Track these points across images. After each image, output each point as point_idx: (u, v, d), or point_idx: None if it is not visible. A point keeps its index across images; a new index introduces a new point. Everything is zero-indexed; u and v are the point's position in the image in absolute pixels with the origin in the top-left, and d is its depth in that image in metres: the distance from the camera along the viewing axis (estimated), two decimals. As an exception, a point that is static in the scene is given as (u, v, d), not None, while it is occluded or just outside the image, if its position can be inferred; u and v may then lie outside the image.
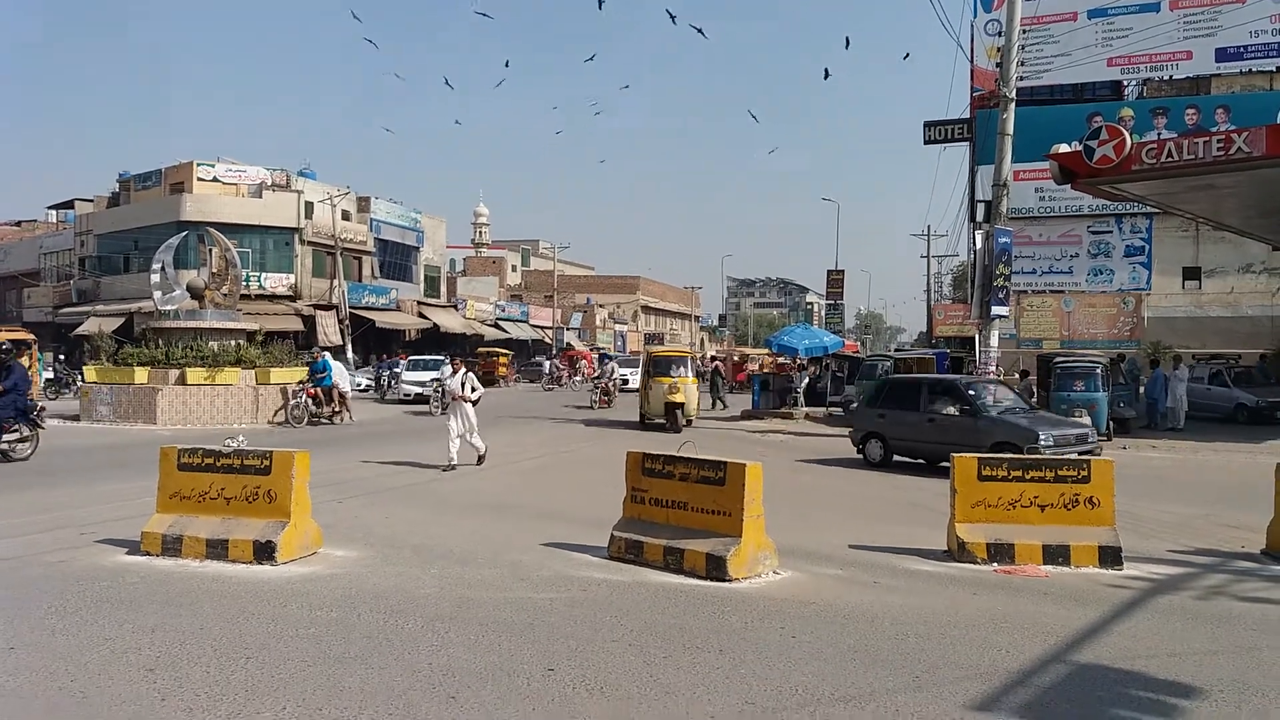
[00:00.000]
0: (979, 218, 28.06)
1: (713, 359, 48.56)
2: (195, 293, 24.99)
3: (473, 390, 14.91)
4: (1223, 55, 31.25)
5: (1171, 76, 32.35)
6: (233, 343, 24.22)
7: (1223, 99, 31.19)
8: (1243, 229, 22.55)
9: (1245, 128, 16.31)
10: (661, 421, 22.82)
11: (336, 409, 24.04)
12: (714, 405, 30.86)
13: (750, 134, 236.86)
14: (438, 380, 26.10)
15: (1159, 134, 29.60)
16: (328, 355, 25.35)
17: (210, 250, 27.61)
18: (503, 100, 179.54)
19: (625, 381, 36.56)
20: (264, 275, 46.63)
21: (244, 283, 32.70)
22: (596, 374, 35.76)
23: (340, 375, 24.51)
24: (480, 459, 14.97)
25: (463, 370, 15.20)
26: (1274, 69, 31.11)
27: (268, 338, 26.93)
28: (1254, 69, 31.26)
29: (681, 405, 22.56)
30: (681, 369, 23.51)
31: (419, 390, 31.41)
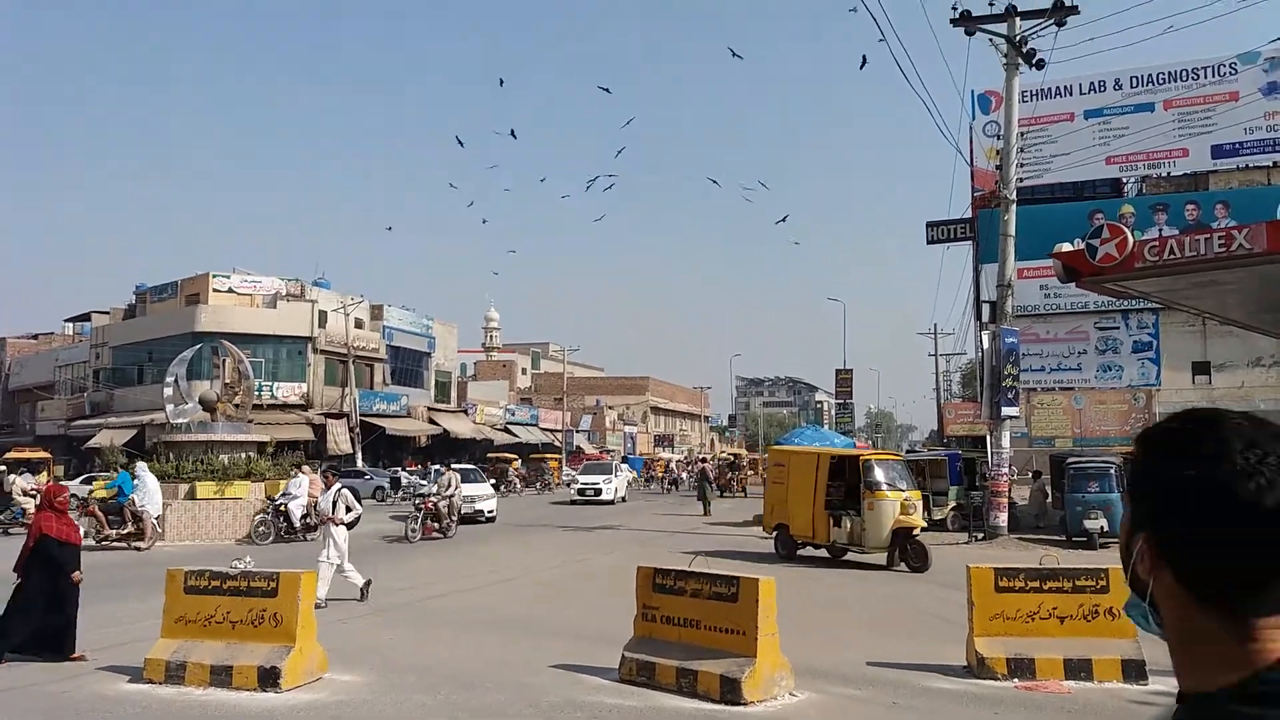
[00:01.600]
0: (985, 318, 28.19)
1: (701, 460, 47.52)
2: (207, 405, 25.11)
3: (348, 510, 12.75)
4: (1219, 152, 31.78)
5: (1170, 173, 32.85)
6: (243, 455, 24.22)
7: (1221, 194, 31.59)
8: (1249, 324, 22.55)
9: (1245, 224, 16.47)
10: (868, 553, 16.74)
11: (134, 532, 20.14)
12: (704, 512, 29.70)
13: (761, 237, 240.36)
14: (293, 498, 21.60)
15: (1160, 230, 29.89)
16: (143, 466, 21.96)
17: (224, 362, 27.87)
18: (511, 203, 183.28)
19: (472, 502, 25.85)
20: (276, 385, 46.91)
21: (256, 393, 32.92)
22: (424, 489, 26.02)
23: (148, 493, 20.52)
24: (362, 593, 12.56)
25: (336, 485, 13.11)
26: (1270, 164, 31.59)
27: (279, 448, 26.94)
28: (1250, 164, 31.74)
29: (914, 530, 16.53)
30: (903, 479, 17.34)
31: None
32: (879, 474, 16.82)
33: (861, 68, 67.50)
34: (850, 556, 17.32)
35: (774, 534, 18.37)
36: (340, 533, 12.67)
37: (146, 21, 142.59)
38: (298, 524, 21.16)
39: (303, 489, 21.45)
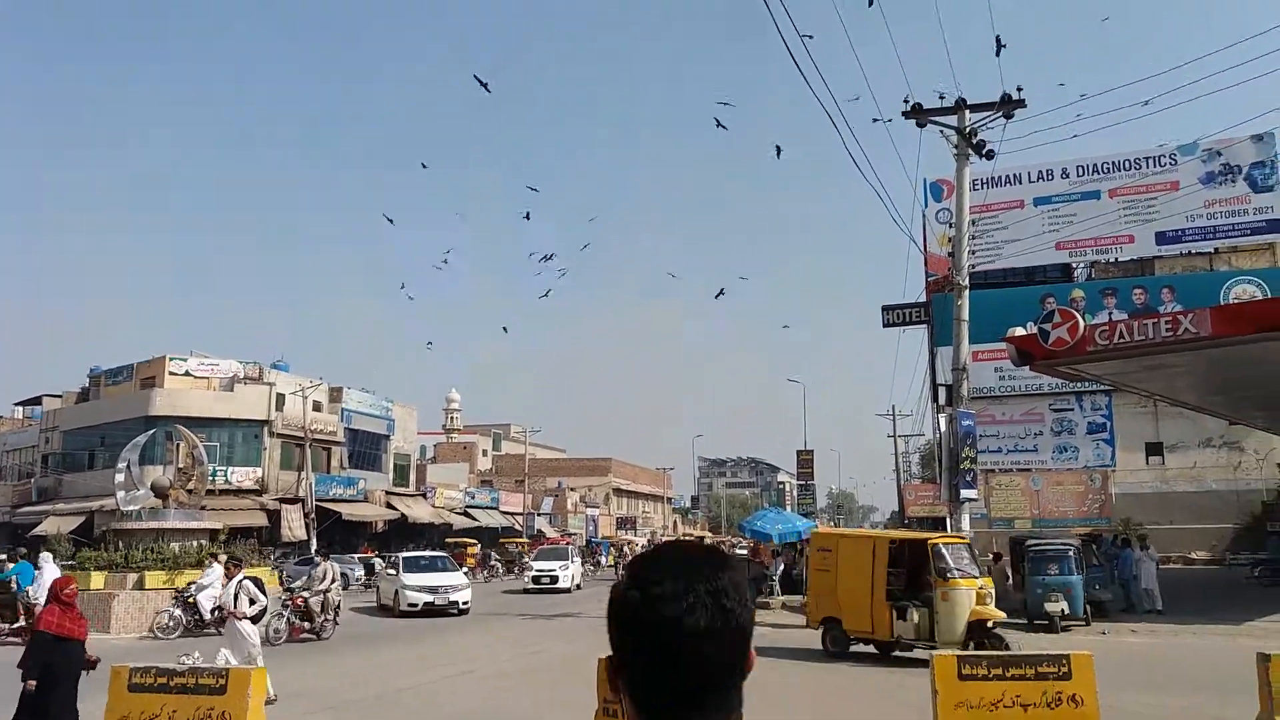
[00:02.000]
0: (941, 400, 28.53)
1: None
2: (159, 491, 24.58)
3: (251, 603, 12.04)
4: (1162, 239, 32.82)
5: (1117, 259, 33.82)
6: (195, 543, 23.66)
7: (1167, 279, 32.52)
8: (1198, 405, 23.07)
9: (1191, 309, 16.97)
10: (939, 649, 12.35)
11: (26, 627, 17.20)
12: None
13: (725, 319, 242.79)
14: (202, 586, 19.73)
15: (1110, 314, 30.65)
16: (46, 556, 20.79)
17: (177, 446, 27.43)
18: (473, 282, 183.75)
19: (446, 592, 24.34)
20: (231, 469, 46.08)
21: (210, 478, 32.30)
22: (293, 584, 22.55)
23: (44, 587, 16.43)
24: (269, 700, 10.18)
25: (239, 577, 12.29)
26: (1212, 250, 32.65)
27: (231, 535, 26.37)
28: (1193, 250, 32.80)
29: (992, 622, 14.85)
30: (973, 565, 15.67)
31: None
32: (950, 559, 15.10)
33: (778, 156, 69.21)
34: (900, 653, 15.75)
35: (821, 628, 16.60)
36: (246, 626, 12.10)
37: (97, 92, 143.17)
38: (208, 617, 19.56)
39: (215, 580, 19.21)
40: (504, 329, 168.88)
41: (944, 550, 15.18)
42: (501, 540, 52.57)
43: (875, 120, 20.17)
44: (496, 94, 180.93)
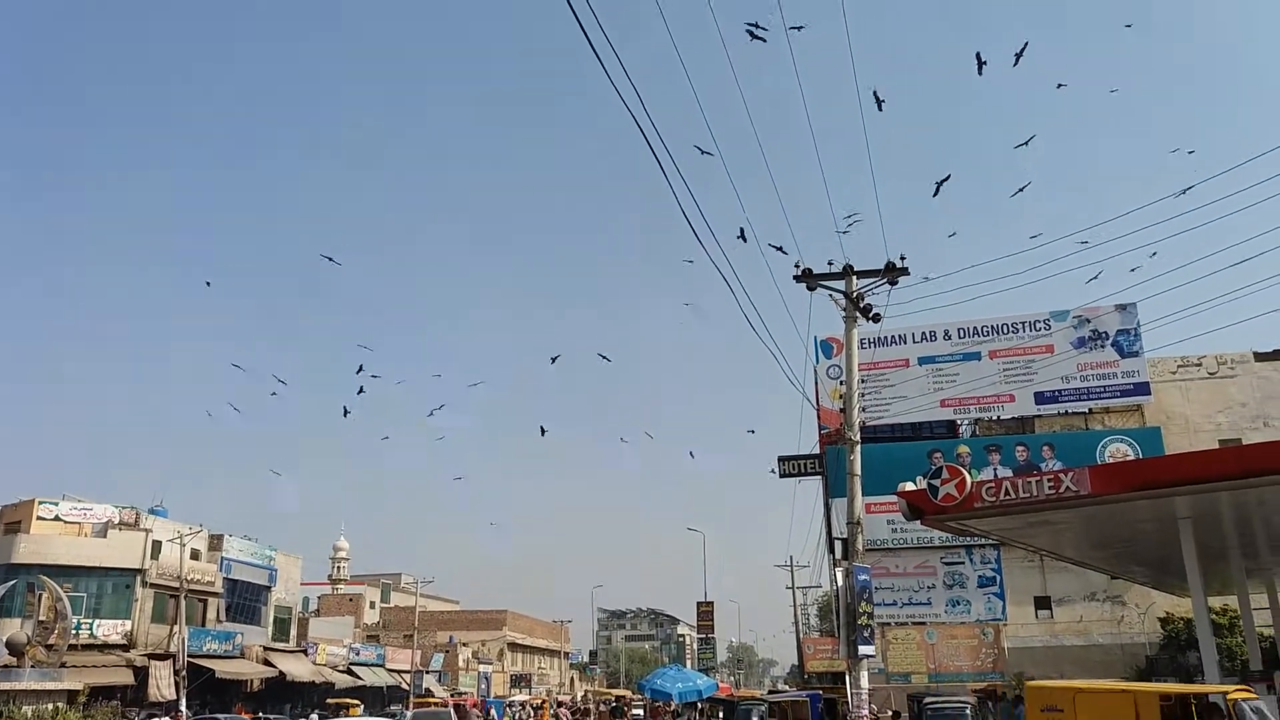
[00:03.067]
0: (837, 554, 28.83)
1: (559, 704, 45.49)
2: (15, 649, 22.87)
3: None
4: (1041, 398, 34.45)
5: (999, 416, 35.26)
6: (50, 705, 21.88)
7: (1047, 437, 33.96)
8: (1080, 560, 23.75)
9: (1071, 468, 17.66)
10: None
11: None
12: None
13: (627, 459, 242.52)
14: None
15: (995, 470, 31.76)
16: None
17: (39, 598, 25.67)
18: (364, 426, 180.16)
19: None
20: (97, 622, 43.09)
21: (73, 632, 30.16)
22: None
23: None
24: None
25: None
26: (1086, 410, 34.35)
27: (93, 695, 24.54)
28: (1069, 410, 34.46)
29: None
30: None
31: None
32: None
33: (694, 306, 71.17)
34: None
35: None
36: None
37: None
38: None
39: None
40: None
41: (1245, 709, 11.09)
42: (329, 700, 49.39)
43: (769, 274, 20.95)
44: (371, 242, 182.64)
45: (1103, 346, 34.29)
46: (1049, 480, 17.16)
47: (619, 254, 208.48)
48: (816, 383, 36.64)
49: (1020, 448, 33.87)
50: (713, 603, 57.11)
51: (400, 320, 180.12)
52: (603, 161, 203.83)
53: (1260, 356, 33.61)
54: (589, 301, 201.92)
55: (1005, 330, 35.34)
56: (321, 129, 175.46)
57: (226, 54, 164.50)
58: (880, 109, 19.41)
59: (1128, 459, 30.77)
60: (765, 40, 16.66)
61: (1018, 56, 19.28)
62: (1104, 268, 36.65)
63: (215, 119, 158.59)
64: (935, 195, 20.33)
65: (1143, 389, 33.81)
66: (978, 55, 19.17)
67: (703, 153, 17.06)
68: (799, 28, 16.06)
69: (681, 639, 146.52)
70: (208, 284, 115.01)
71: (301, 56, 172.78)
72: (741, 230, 18.51)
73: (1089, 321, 34.46)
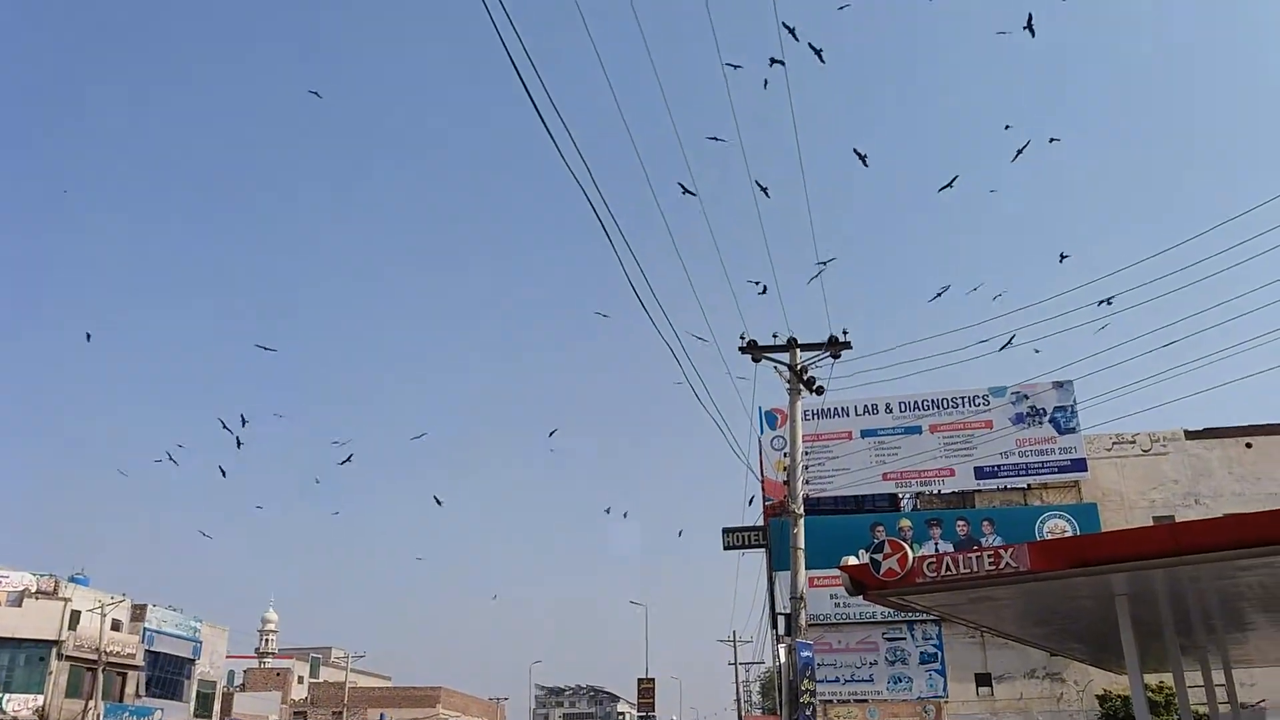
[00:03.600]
0: (780, 629, 28.53)
1: None
2: (-89, 725, 21.50)
3: None
4: (980, 473, 34.76)
5: (940, 491, 35.47)
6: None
7: (987, 512, 34.21)
8: (1021, 637, 23.71)
9: (1011, 544, 17.65)
10: None
11: None
12: None
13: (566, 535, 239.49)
14: None
15: (936, 544, 31.85)
16: None
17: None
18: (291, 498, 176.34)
19: None
20: (7, 697, 41.07)
21: (-23, 709, 28.59)
22: None
23: None
24: None
25: None
26: (1025, 486, 34.71)
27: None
28: (1008, 485, 34.79)
29: None
30: None
31: None
32: None
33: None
34: None
35: None
36: None
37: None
38: None
39: None
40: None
41: None
42: None
43: (711, 346, 21.03)
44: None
45: (1040, 423, 34.81)
46: (989, 556, 17.15)
47: (532, 312, 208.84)
48: (761, 454, 36.62)
49: (961, 522, 34.05)
50: (654, 679, 56.19)
51: (334, 381, 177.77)
52: (535, 225, 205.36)
53: (1190, 434, 34.38)
54: (497, 361, 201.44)
55: (945, 405, 35.76)
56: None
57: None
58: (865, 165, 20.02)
59: (1066, 535, 31.07)
60: (740, 66, 16.91)
61: (1019, 152, 20.00)
62: (1043, 345, 37.50)
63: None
64: (812, 280, 20.86)
65: (1079, 465, 34.28)
66: (858, 152, 19.95)
67: (686, 191, 17.12)
68: (781, 61, 16.14)
69: (622, 717, 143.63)
70: (88, 336, 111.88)
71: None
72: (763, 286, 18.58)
73: (1027, 398, 35.02)
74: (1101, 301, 21.01)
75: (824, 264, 21.25)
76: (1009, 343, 21.58)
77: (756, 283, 20.92)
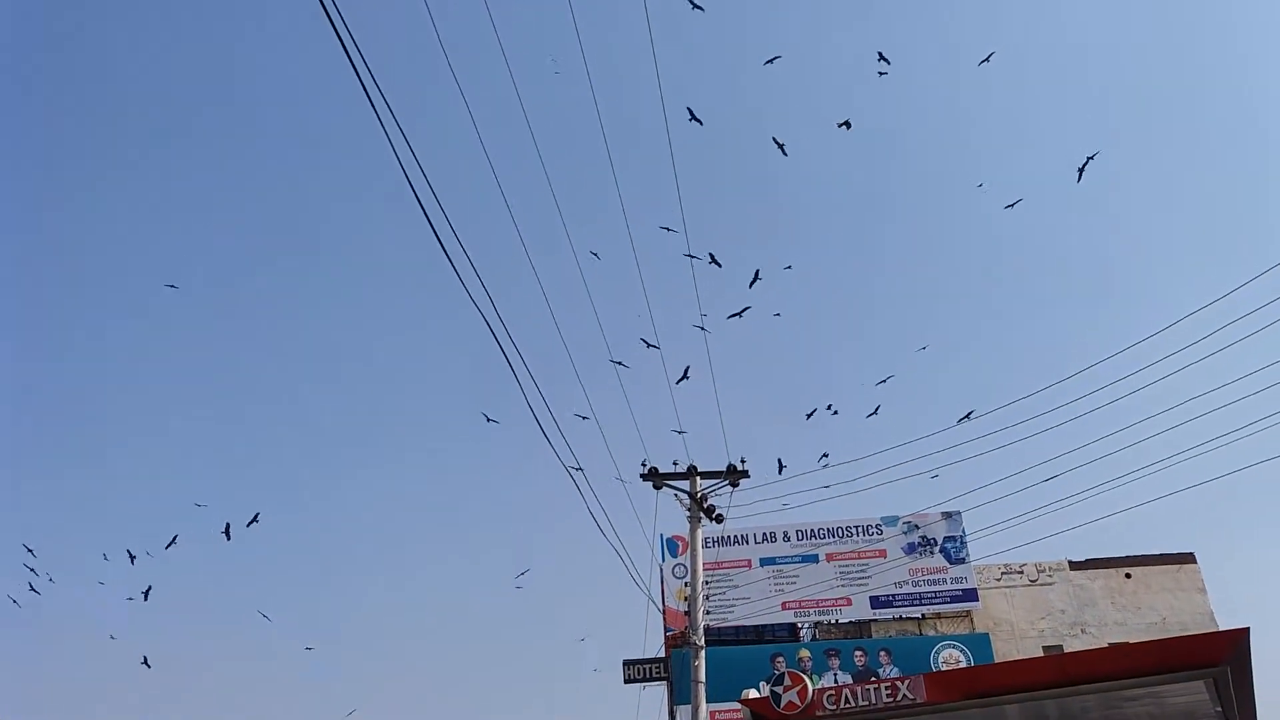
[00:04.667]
0: (681, 765, 27.87)
1: None
2: None
3: None
4: (876, 602, 35.14)
5: (838, 620, 35.66)
6: None
7: (884, 642, 34.44)
8: (920, 770, 23.68)
9: (907, 675, 17.86)
10: None
11: None
12: None
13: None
14: None
15: (835, 675, 31.84)
16: None
17: None
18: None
19: None
20: None
21: None
22: None
23: None
24: None
25: None
26: (920, 616, 35.18)
27: None
28: (903, 615, 35.20)
29: None
30: None
31: None
32: None
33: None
34: None
35: None
36: None
37: None
38: None
39: None
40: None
41: None
42: None
43: (616, 479, 21.13)
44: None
45: (932, 553, 35.57)
46: (886, 688, 17.30)
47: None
48: (663, 582, 36.36)
49: (859, 652, 34.18)
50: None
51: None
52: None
53: (1074, 565, 35.53)
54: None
55: (840, 533, 36.33)
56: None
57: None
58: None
59: (960, 665, 31.46)
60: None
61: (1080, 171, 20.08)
62: (939, 475, 38.55)
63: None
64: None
65: (971, 595, 34.97)
66: (778, 141, 20.64)
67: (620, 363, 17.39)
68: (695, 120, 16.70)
69: None
70: None
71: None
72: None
73: (918, 527, 35.84)
74: (961, 418, 21.90)
75: (682, 378, 21.52)
76: (815, 412, 22.34)
77: (678, 432, 21.29)
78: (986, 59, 23.99)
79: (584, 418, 18.32)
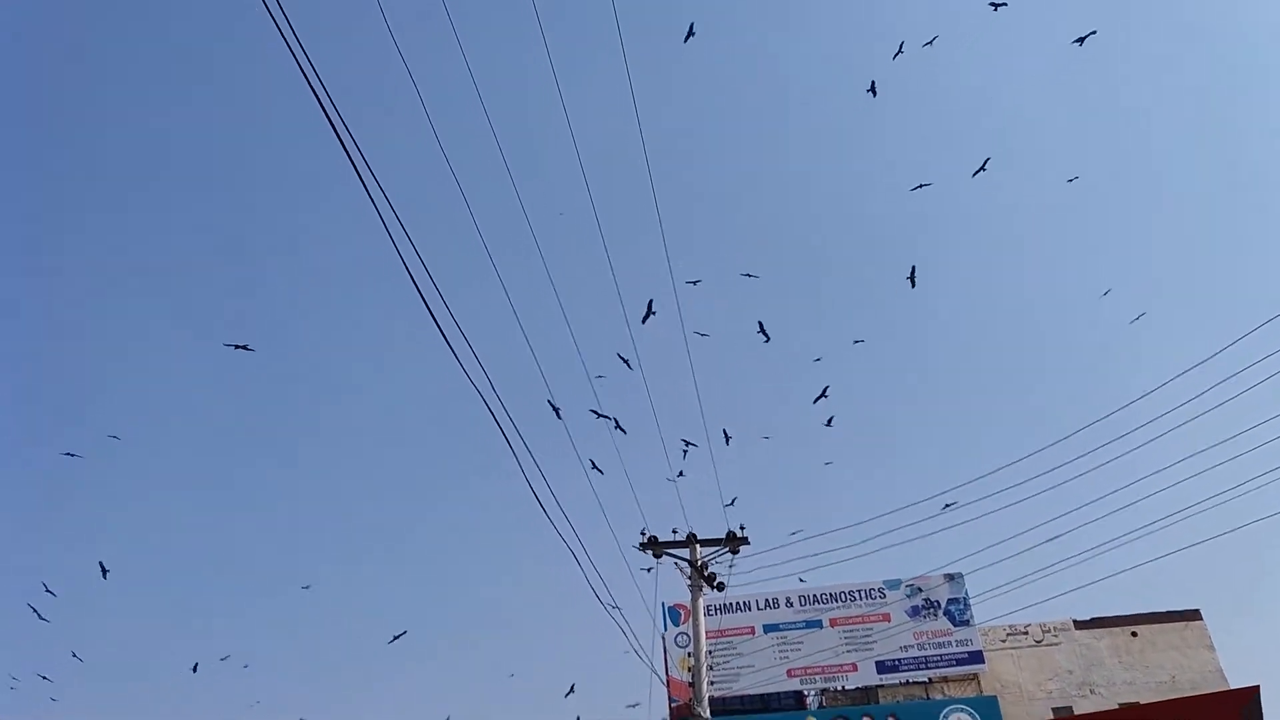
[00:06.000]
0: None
1: None
2: None
3: None
4: (882, 667, 34.77)
5: (844, 686, 35.23)
6: None
7: (891, 707, 33.99)
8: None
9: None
10: None
11: None
12: None
13: None
14: None
15: (843, 743, 31.39)
16: None
17: None
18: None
19: None
20: None
21: None
22: None
23: None
24: None
25: None
26: (926, 680, 34.79)
27: None
28: (910, 680, 34.82)
29: None
30: None
31: None
32: None
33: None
34: None
35: None
36: None
37: None
38: None
39: None
40: None
41: None
42: None
43: (622, 547, 21.12)
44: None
45: (935, 615, 35.29)
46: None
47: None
48: (665, 651, 35.97)
49: (866, 718, 33.72)
50: None
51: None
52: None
53: (1079, 624, 35.22)
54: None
55: (844, 598, 36.07)
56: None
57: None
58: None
59: (969, 731, 31.05)
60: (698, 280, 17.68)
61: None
62: (941, 539, 38.47)
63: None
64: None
65: (977, 657, 34.61)
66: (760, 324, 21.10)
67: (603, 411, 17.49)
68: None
69: None
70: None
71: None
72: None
73: (921, 590, 35.61)
74: (946, 506, 22.05)
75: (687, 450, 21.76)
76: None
77: (679, 473, 21.41)
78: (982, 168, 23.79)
79: (599, 470, 18.43)
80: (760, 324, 21.51)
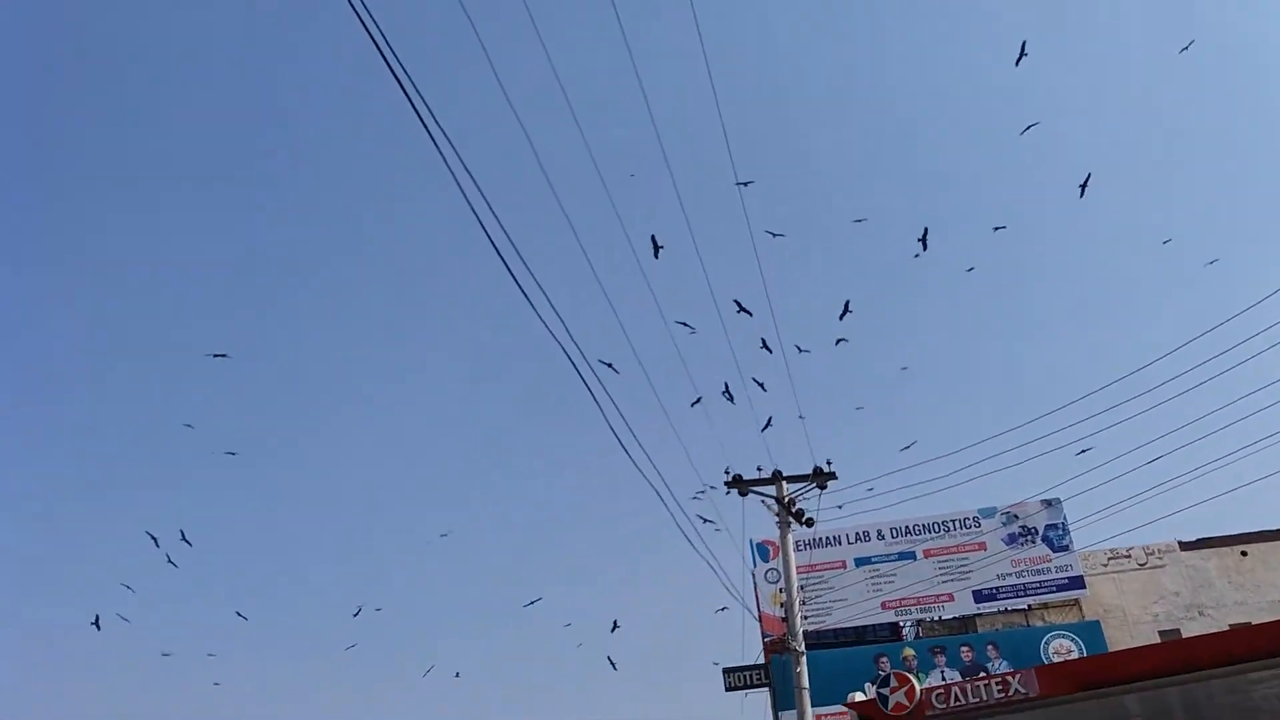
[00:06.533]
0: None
1: None
2: None
3: None
4: (979, 596, 34.26)
5: (940, 617, 34.86)
6: None
7: (990, 635, 33.54)
8: (1038, 767, 22.95)
9: (1018, 669, 17.35)
10: None
11: None
12: None
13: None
14: None
15: (942, 673, 31.08)
16: None
17: None
18: None
19: None
20: None
21: None
22: None
23: None
24: None
25: None
26: (1025, 607, 34.20)
27: None
28: (1008, 608, 34.25)
29: None
30: None
31: None
32: None
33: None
34: None
35: None
36: None
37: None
38: None
39: None
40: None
41: None
42: None
43: (700, 493, 21.02)
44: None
45: (1033, 542, 34.53)
46: (997, 684, 16.79)
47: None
48: (756, 588, 36.01)
49: (965, 648, 33.32)
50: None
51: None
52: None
53: (1185, 545, 34.15)
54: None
55: (936, 529, 35.51)
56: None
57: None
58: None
59: (1072, 656, 30.44)
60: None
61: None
62: (1034, 464, 37.50)
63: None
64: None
65: (1077, 583, 33.86)
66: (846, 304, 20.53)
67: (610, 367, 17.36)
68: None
69: None
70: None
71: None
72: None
73: (1017, 518, 34.84)
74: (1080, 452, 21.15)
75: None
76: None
77: (768, 422, 21.12)
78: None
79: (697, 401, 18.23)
80: (924, 231, 20.83)
